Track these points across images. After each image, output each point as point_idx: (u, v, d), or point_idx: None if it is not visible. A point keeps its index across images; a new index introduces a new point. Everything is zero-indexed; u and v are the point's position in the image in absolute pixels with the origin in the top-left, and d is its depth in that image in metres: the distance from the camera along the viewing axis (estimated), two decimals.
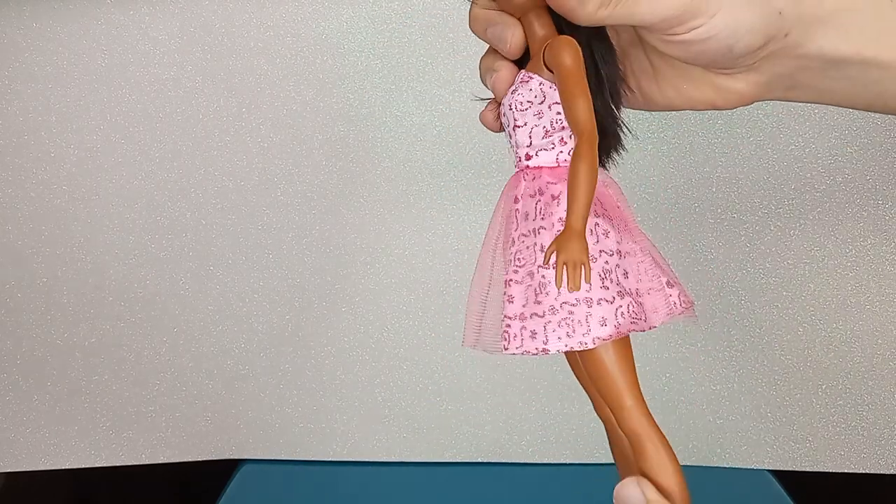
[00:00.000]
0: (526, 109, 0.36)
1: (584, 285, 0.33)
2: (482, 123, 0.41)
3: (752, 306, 0.75)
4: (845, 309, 0.74)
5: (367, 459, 0.80)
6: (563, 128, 0.36)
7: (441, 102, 0.73)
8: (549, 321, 0.33)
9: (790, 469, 0.77)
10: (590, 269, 0.32)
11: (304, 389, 0.79)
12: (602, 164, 0.38)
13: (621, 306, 0.34)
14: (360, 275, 0.76)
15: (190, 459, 0.81)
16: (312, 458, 0.80)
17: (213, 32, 0.72)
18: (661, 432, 0.34)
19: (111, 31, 0.71)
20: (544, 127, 0.36)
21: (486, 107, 0.40)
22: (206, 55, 0.72)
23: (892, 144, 0.71)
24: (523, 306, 0.34)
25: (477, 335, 0.36)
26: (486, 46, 0.40)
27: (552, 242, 0.33)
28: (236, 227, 0.75)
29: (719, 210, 0.73)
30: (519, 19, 0.37)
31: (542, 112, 0.36)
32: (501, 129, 0.40)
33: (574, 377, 0.38)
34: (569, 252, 0.32)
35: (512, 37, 0.37)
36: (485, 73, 0.39)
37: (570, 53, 0.34)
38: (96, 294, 0.76)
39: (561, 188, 0.35)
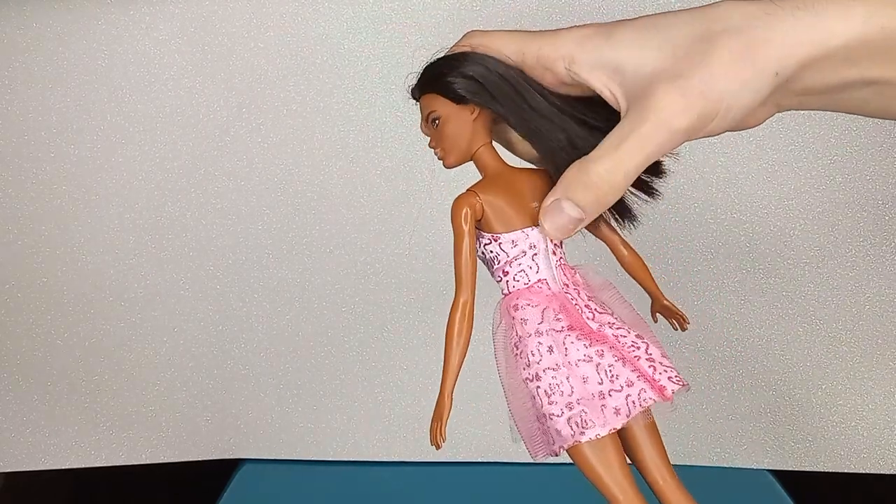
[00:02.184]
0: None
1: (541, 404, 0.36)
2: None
3: (752, 306, 0.75)
4: (845, 309, 0.74)
5: (367, 459, 0.80)
6: (493, 262, 0.39)
7: None
8: (538, 430, 0.37)
9: (790, 469, 0.77)
10: (445, 426, 0.37)
11: (304, 389, 0.79)
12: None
13: (571, 417, 0.36)
14: (360, 275, 0.76)
15: (190, 459, 0.81)
16: (312, 458, 0.80)
17: (213, 32, 0.72)
18: None
19: (111, 31, 0.71)
20: (485, 263, 0.39)
21: None
22: (206, 55, 0.72)
23: (892, 144, 0.71)
24: (524, 413, 0.38)
25: (533, 443, 0.38)
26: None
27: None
28: (236, 227, 0.75)
29: (719, 210, 0.73)
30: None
31: (480, 251, 0.39)
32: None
33: None
34: (434, 413, 0.37)
35: None
36: None
37: (454, 217, 0.38)
38: (96, 294, 0.76)
39: (509, 314, 0.38)
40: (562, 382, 0.36)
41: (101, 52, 0.72)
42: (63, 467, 0.80)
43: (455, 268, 0.37)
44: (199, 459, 0.81)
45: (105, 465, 0.80)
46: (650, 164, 0.35)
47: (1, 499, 0.86)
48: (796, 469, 0.77)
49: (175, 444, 0.80)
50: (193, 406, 0.79)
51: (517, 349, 0.37)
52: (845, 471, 0.77)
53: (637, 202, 0.41)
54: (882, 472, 0.76)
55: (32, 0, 0.71)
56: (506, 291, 0.39)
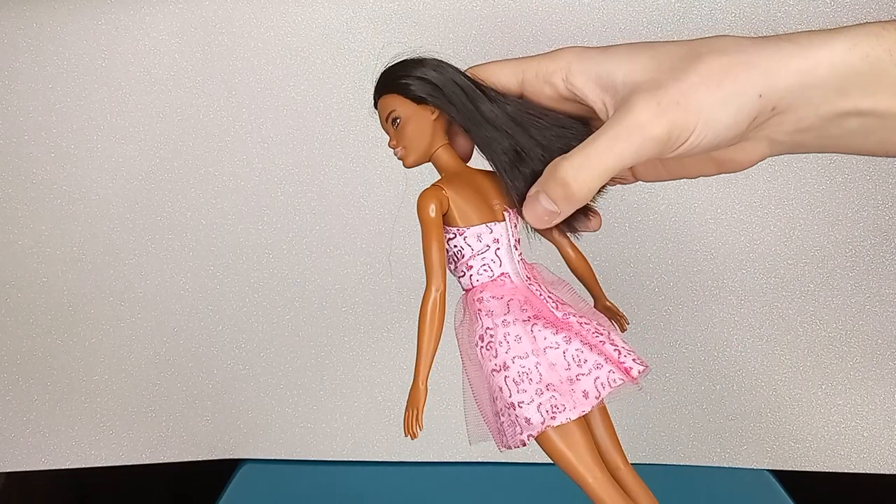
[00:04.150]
0: None
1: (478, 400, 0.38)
2: None
3: (752, 306, 0.75)
4: (845, 309, 0.74)
5: (367, 459, 0.80)
6: (457, 256, 0.40)
7: None
8: (503, 421, 0.38)
9: (790, 469, 0.77)
10: (421, 414, 0.37)
11: (304, 389, 0.79)
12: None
13: (541, 403, 0.37)
14: (360, 275, 0.76)
15: (190, 459, 0.81)
16: (312, 458, 0.80)
17: (213, 32, 0.72)
18: (626, 499, 0.38)
19: (111, 31, 0.71)
20: (448, 259, 0.40)
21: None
22: (206, 55, 0.72)
23: None
24: (490, 406, 0.39)
25: (501, 435, 0.39)
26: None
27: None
28: (236, 227, 0.75)
29: (719, 210, 0.73)
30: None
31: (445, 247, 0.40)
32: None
33: None
34: (409, 402, 0.38)
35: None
36: None
37: (422, 209, 0.38)
38: (96, 294, 0.76)
39: (474, 307, 0.39)
40: (531, 370, 0.37)
41: (101, 51, 0.72)
42: (63, 467, 0.80)
43: (426, 258, 0.38)
44: (199, 459, 0.81)
45: (105, 465, 0.80)
46: (623, 167, 0.35)
47: (1, 499, 0.86)
48: (796, 469, 0.77)
49: (175, 444, 0.80)
50: (193, 406, 0.79)
51: (482, 341, 0.38)
52: (845, 471, 0.77)
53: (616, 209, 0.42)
54: (882, 472, 0.76)
55: (32, 0, 0.71)
56: (468, 286, 0.40)
